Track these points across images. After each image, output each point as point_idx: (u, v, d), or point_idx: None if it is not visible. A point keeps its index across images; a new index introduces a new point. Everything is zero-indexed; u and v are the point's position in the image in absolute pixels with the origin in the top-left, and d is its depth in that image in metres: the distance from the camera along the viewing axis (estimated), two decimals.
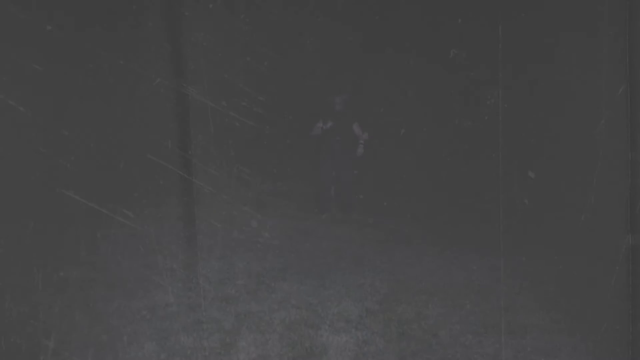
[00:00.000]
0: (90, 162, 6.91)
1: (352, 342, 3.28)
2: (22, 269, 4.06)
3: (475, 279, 4.28)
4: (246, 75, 7.13)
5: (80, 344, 3.10)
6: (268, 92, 7.43)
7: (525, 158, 6.52)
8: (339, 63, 7.47)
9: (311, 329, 3.39)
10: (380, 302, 3.80)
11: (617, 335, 3.42)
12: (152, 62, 6.53)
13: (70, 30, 5.70)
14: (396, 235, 5.43)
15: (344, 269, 4.43)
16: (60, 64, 6.49)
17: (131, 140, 7.27)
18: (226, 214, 5.75)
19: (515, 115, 6.60)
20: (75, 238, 4.85)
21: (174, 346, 3.14)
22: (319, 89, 6.77)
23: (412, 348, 3.23)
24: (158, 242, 4.86)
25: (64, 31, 5.63)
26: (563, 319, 3.63)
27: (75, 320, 3.36)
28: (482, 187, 6.65)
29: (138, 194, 6.21)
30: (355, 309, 3.68)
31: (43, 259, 4.33)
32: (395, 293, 3.98)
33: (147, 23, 6.34)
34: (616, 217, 5.07)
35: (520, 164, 6.48)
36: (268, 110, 7.52)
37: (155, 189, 6.54)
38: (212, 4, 6.82)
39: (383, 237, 5.34)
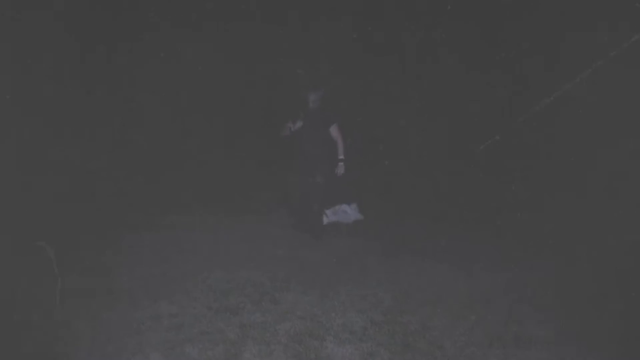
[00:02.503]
0: (93, 173, 6.93)
1: (357, 353, 3.28)
2: (27, 278, 4.07)
3: (480, 290, 4.28)
4: None
5: (85, 353, 3.10)
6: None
7: (527, 172, 6.56)
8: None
9: (316, 340, 3.38)
10: (384, 313, 3.80)
11: (625, 346, 3.42)
12: None
13: None
14: (399, 245, 5.44)
15: (348, 279, 4.44)
16: None
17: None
18: (230, 223, 5.77)
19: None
20: (80, 247, 4.87)
21: (179, 357, 3.14)
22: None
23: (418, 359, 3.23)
24: (162, 251, 4.86)
25: None
26: (568, 330, 3.62)
27: (80, 329, 3.36)
28: (486, 198, 6.66)
29: (143, 203, 6.23)
30: (360, 320, 3.68)
31: (47, 267, 4.33)
32: (399, 304, 3.98)
33: None
34: (623, 227, 5.09)
35: (521, 176, 6.52)
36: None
37: (160, 198, 6.56)
38: None
39: (386, 248, 5.35)
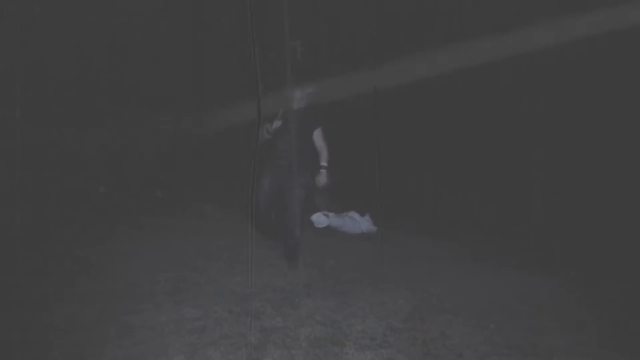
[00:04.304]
0: (117, 172, 7.02)
1: (377, 359, 3.30)
2: (54, 282, 4.17)
3: (499, 299, 4.28)
4: None
5: (111, 356, 3.17)
6: None
7: (551, 175, 6.51)
8: None
9: (336, 346, 3.41)
10: (404, 321, 3.82)
11: None
12: None
13: None
14: (417, 252, 5.46)
15: (367, 285, 4.47)
16: None
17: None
18: (250, 229, 5.82)
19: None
20: (104, 251, 4.97)
21: None
22: None
23: None
24: (184, 255, 4.94)
25: None
26: (588, 340, 3.61)
27: (106, 332, 3.43)
28: (503, 205, 6.63)
29: (164, 208, 6.33)
30: (380, 327, 3.70)
31: (73, 271, 4.43)
32: (418, 311, 3.99)
33: None
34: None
35: (539, 181, 6.48)
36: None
37: (180, 203, 6.65)
38: None
39: (404, 254, 5.37)
